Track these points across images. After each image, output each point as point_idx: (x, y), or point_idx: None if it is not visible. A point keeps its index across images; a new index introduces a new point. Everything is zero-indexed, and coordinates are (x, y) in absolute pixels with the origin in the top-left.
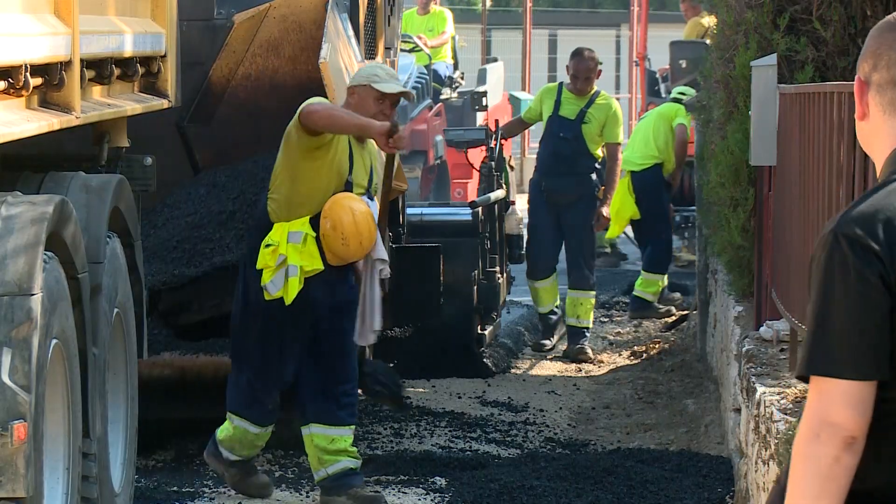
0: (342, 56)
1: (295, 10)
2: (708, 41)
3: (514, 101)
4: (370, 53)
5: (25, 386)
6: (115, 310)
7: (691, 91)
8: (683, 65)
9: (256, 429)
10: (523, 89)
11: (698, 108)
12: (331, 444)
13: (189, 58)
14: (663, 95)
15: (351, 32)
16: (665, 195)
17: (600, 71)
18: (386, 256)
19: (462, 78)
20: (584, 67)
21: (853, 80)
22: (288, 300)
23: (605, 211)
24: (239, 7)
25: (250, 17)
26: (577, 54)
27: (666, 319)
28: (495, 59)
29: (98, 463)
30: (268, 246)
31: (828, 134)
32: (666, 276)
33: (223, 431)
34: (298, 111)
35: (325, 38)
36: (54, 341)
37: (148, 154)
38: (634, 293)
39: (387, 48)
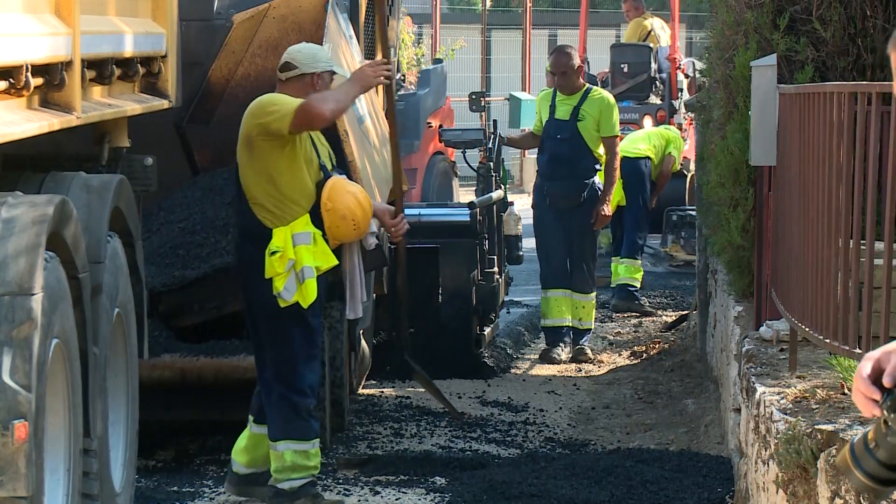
0: (343, 56)
1: (294, 11)
2: (651, 45)
3: (515, 102)
4: (370, 53)
5: (26, 385)
6: (116, 309)
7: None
8: (625, 69)
9: (304, 445)
10: (523, 89)
11: (698, 108)
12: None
13: (188, 58)
14: None
15: (351, 32)
16: (648, 187)
17: (580, 67)
18: (375, 227)
19: (404, 80)
20: (559, 62)
21: (853, 80)
22: (305, 303)
23: (605, 209)
24: (238, 8)
25: (249, 17)
26: (554, 51)
27: (653, 317)
28: (440, 61)
29: (99, 462)
30: (273, 253)
31: (828, 134)
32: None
33: (275, 465)
34: (290, 116)
35: (325, 37)
36: (55, 341)
37: (147, 154)
38: (620, 282)
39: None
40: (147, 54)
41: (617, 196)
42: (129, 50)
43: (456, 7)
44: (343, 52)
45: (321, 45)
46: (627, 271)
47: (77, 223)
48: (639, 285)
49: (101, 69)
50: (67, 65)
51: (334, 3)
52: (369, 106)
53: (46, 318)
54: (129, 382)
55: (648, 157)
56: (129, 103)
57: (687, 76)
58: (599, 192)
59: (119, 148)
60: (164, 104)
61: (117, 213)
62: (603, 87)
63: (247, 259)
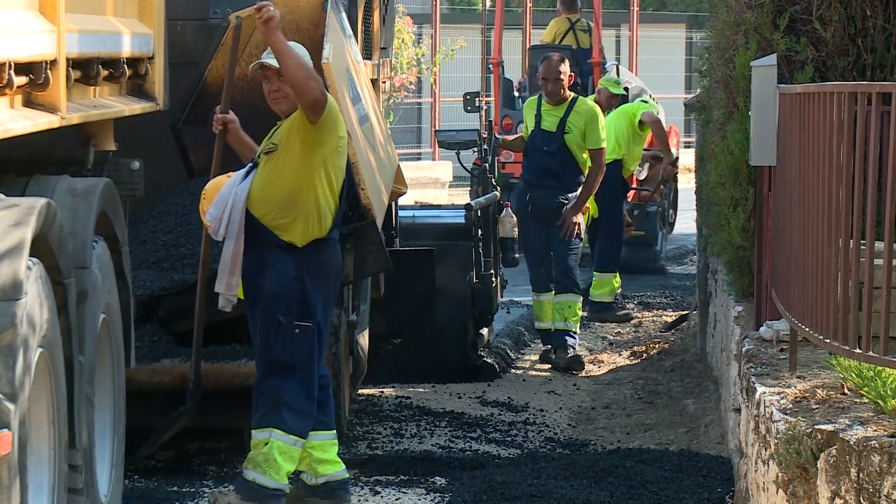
0: (344, 56)
1: (292, 10)
2: (572, 46)
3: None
4: (367, 52)
5: (9, 394)
6: (102, 315)
7: (651, 100)
8: None
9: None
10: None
11: (698, 108)
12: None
13: (184, 58)
14: (518, 108)
15: (350, 32)
16: (621, 193)
17: (573, 75)
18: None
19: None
20: (552, 68)
21: (853, 80)
22: None
23: (577, 217)
24: (234, 7)
25: (246, 16)
26: (545, 58)
27: (623, 321)
28: None
29: (84, 473)
30: None
31: (828, 134)
32: (618, 275)
33: (335, 451)
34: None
35: (326, 37)
36: (39, 349)
37: (141, 157)
38: (590, 297)
39: (383, 48)
40: (134, 55)
41: (591, 208)
42: (115, 50)
43: (456, 7)
44: (346, 51)
45: (321, 44)
46: (596, 286)
47: (62, 227)
48: (611, 299)
49: (86, 69)
50: (52, 63)
51: (333, 1)
52: (372, 104)
53: (30, 326)
54: (116, 391)
55: (618, 159)
56: (115, 105)
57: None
58: None
59: (105, 151)
60: (152, 107)
61: (103, 218)
62: (520, 91)
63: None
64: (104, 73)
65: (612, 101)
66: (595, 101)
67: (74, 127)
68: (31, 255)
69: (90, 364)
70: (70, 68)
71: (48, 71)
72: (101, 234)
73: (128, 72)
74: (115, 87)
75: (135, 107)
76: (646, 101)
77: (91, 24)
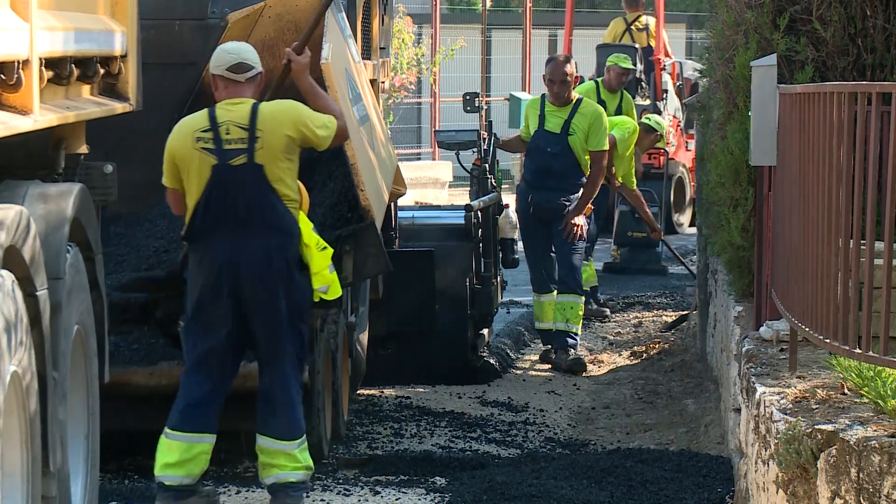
0: (343, 56)
1: (290, 10)
2: (637, 45)
3: (515, 102)
4: (365, 52)
5: None
6: (76, 326)
7: (657, 118)
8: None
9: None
10: (523, 89)
11: (698, 109)
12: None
13: (182, 58)
14: None
15: (349, 32)
16: (602, 196)
17: (577, 77)
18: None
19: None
20: (560, 70)
21: (853, 80)
22: (334, 296)
23: (578, 219)
24: (233, 6)
25: (244, 16)
26: (552, 59)
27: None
28: None
29: (58, 491)
30: (324, 248)
31: (828, 134)
32: (593, 268)
33: (294, 464)
34: (332, 136)
35: (325, 38)
36: (11, 368)
37: (138, 158)
38: None
39: (381, 48)
40: (107, 53)
41: None
42: (88, 48)
43: (456, 7)
44: (346, 51)
45: (321, 44)
46: None
47: (35, 236)
48: (587, 288)
49: (58, 69)
50: (24, 63)
51: (333, 1)
52: (372, 104)
53: (1, 343)
54: (90, 405)
55: None
56: (88, 106)
57: (677, 76)
58: None
59: (76, 154)
60: (125, 107)
61: (76, 225)
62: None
63: (287, 255)
64: (77, 72)
65: (622, 78)
66: (605, 81)
67: (45, 129)
68: (3, 266)
69: (63, 380)
70: (43, 68)
71: (20, 71)
72: (75, 242)
73: (100, 71)
74: (87, 88)
75: (108, 108)
76: (648, 120)
77: (63, 21)
